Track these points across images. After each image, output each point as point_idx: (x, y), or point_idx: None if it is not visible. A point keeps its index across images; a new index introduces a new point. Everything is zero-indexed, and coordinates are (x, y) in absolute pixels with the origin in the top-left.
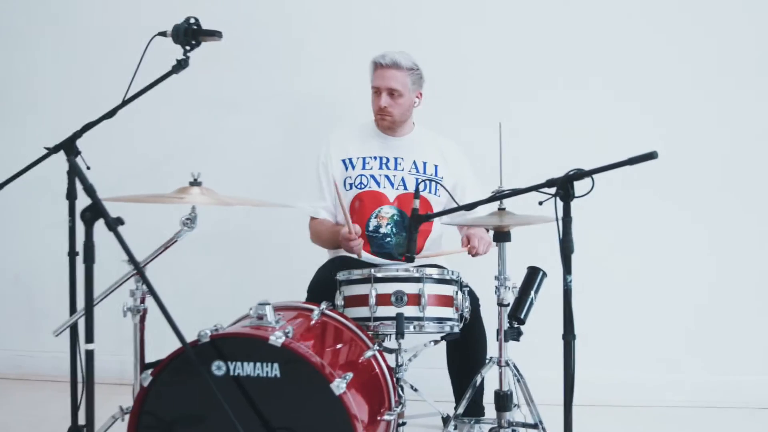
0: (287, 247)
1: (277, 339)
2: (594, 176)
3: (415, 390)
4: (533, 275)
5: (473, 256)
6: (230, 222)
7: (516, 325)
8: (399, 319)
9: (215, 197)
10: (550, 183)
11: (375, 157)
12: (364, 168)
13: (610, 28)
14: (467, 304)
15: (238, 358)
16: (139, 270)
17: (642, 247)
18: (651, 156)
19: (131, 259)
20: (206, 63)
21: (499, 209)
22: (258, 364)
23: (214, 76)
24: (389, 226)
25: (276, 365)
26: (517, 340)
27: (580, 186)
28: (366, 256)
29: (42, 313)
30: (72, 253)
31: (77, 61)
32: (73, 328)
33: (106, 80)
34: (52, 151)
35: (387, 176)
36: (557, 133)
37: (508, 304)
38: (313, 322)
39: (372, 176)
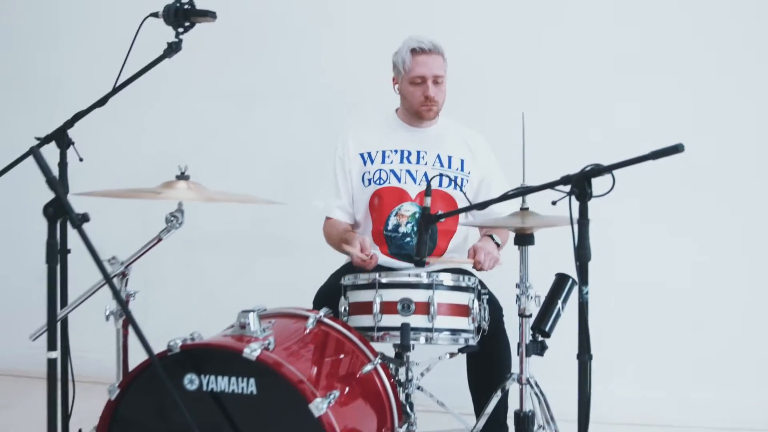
0: (303, 247)
1: (251, 352)
2: (615, 174)
3: (442, 404)
4: (561, 283)
5: (478, 270)
6: (242, 221)
7: (540, 339)
8: (404, 329)
9: (202, 193)
10: (565, 180)
11: (396, 151)
12: (383, 162)
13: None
14: (486, 314)
15: (213, 372)
16: (105, 275)
17: (666, 255)
18: (676, 149)
19: (97, 262)
20: (222, 55)
21: (521, 209)
22: (233, 379)
23: (229, 69)
24: (410, 225)
25: (252, 380)
26: (541, 354)
27: (600, 184)
28: (384, 259)
29: None
30: (63, 251)
31: (81, 48)
32: (64, 331)
33: (108, 67)
34: (44, 141)
35: (408, 171)
36: (588, 126)
37: (530, 315)
38: (307, 331)
39: (392, 171)
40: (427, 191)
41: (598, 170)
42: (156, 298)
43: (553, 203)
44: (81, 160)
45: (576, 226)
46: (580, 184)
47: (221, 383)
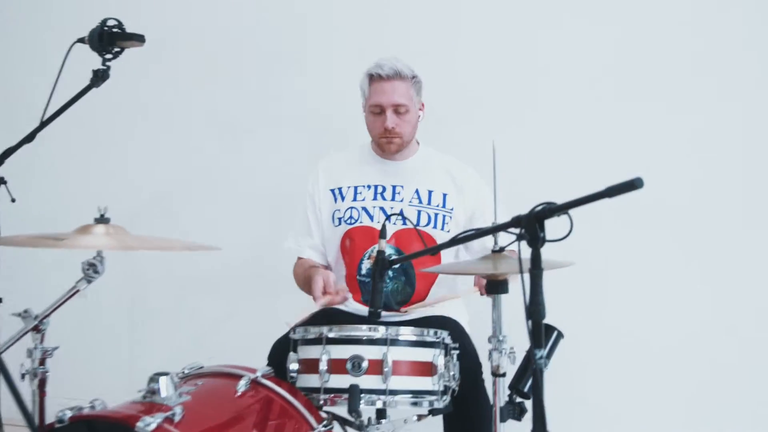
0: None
1: (145, 426)
2: (572, 214)
3: None
4: (545, 335)
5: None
6: (231, 262)
7: (518, 400)
8: (353, 391)
9: (120, 239)
10: (516, 221)
11: (368, 186)
12: (355, 199)
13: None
14: (456, 372)
15: None
16: None
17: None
18: (633, 185)
19: None
20: (187, 83)
21: (493, 252)
22: None
23: (193, 98)
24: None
25: None
26: (519, 419)
27: (558, 226)
28: (356, 307)
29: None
30: None
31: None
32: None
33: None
34: None
35: (382, 208)
36: (570, 154)
37: (504, 374)
38: (237, 394)
39: (364, 209)
40: (382, 232)
41: (551, 210)
42: (144, 340)
43: (501, 249)
44: (13, 200)
45: (524, 277)
46: (530, 227)
47: None
